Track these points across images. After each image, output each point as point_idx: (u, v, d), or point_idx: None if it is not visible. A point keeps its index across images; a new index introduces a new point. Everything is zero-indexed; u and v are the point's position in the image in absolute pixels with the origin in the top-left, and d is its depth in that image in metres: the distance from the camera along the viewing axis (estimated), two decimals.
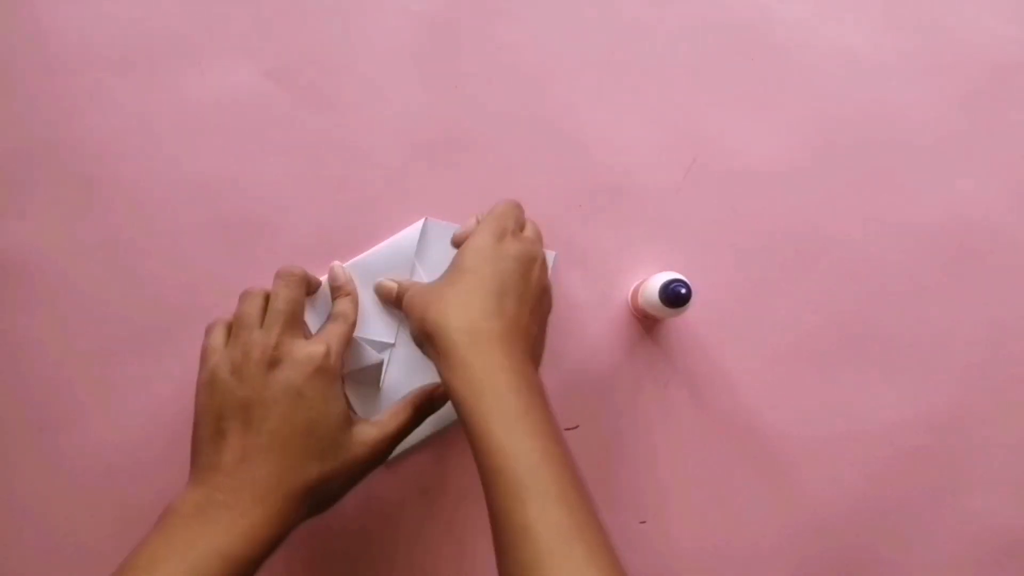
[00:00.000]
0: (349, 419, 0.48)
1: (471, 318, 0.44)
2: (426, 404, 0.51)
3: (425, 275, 0.54)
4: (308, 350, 0.47)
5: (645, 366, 0.54)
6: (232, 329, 0.48)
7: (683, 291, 0.47)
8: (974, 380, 0.55)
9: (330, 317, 0.52)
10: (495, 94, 0.55)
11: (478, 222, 0.49)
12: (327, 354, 0.47)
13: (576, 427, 0.55)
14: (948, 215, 0.55)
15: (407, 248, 0.54)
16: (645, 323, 0.55)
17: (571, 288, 0.55)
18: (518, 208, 0.49)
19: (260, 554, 0.43)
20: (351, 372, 0.53)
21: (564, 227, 0.55)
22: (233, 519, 0.42)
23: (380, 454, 0.48)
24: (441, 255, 0.54)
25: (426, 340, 0.45)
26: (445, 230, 0.54)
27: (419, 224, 0.54)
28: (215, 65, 0.55)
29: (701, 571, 0.55)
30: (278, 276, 0.50)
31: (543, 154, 0.55)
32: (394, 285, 0.53)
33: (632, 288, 0.54)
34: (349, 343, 0.51)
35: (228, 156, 0.55)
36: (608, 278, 0.55)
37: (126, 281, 0.55)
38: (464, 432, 0.42)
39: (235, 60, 0.55)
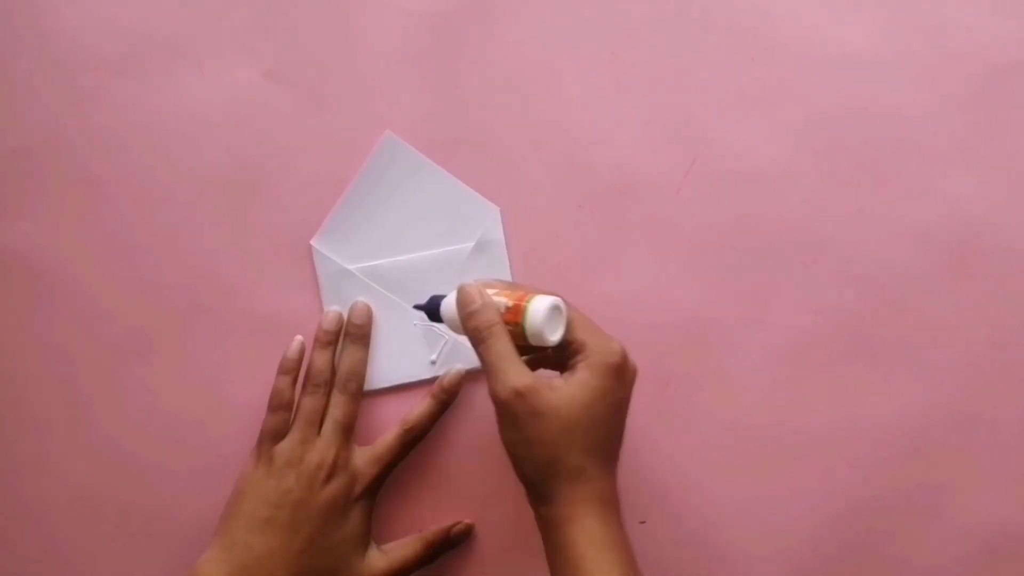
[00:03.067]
0: (368, 544, 0.51)
1: (598, 474, 0.44)
2: (441, 543, 0.53)
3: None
4: (358, 471, 0.51)
5: (645, 366, 0.54)
6: (294, 420, 0.51)
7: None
8: (974, 380, 0.55)
9: (402, 428, 0.53)
10: (495, 94, 0.55)
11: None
12: (373, 480, 0.51)
13: None
14: (948, 215, 0.55)
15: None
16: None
17: None
18: None
19: None
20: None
21: (563, 227, 0.55)
22: None
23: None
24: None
25: (546, 476, 0.44)
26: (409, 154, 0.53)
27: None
28: (215, 65, 0.55)
29: (701, 571, 0.55)
30: (339, 385, 0.52)
31: (543, 154, 0.55)
32: (477, 300, 0.45)
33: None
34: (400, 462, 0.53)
35: (228, 156, 0.55)
36: (607, 278, 0.55)
37: (127, 281, 0.55)
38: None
39: (235, 60, 0.55)
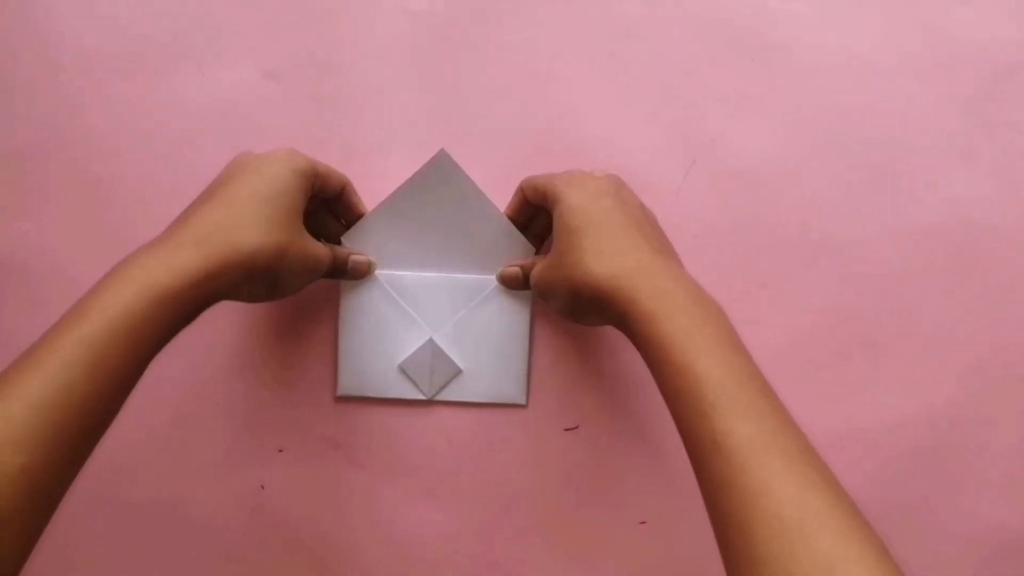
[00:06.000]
0: (301, 223, 0.47)
1: (620, 262, 0.44)
2: (342, 264, 0.52)
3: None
4: (295, 153, 0.46)
5: (645, 366, 0.54)
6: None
7: None
8: (974, 380, 0.55)
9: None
10: (495, 94, 0.55)
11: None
12: (312, 163, 0.47)
13: (576, 427, 0.55)
14: (948, 215, 0.55)
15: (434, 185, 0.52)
16: None
17: None
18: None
19: (192, 293, 0.40)
20: (405, 360, 0.54)
21: None
22: (167, 256, 0.40)
23: (324, 262, 0.48)
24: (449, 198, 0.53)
25: (587, 300, 0.45)
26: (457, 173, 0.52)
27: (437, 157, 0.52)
28: (215, 65, 0.55)
29: (701, 571, 0.55)
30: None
31: (543, 154, 0.55)
32: (517, 269, 0.53)
33: None
34: (336, 181, 0.50)
35: (228, 156, 0.55)
36: None
37: None
38: (645, 358, 0.42)
39: (235, 60, 0.55)
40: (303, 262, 0.46)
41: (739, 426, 0.37)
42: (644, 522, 0.55)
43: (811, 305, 0.55)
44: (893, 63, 0.55)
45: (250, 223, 0.43)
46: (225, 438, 0.55)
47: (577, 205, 0.46)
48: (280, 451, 0.55)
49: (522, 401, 0.55)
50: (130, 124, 0.55)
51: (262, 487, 0.55)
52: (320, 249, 0.48)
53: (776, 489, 0.35)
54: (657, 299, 0.42)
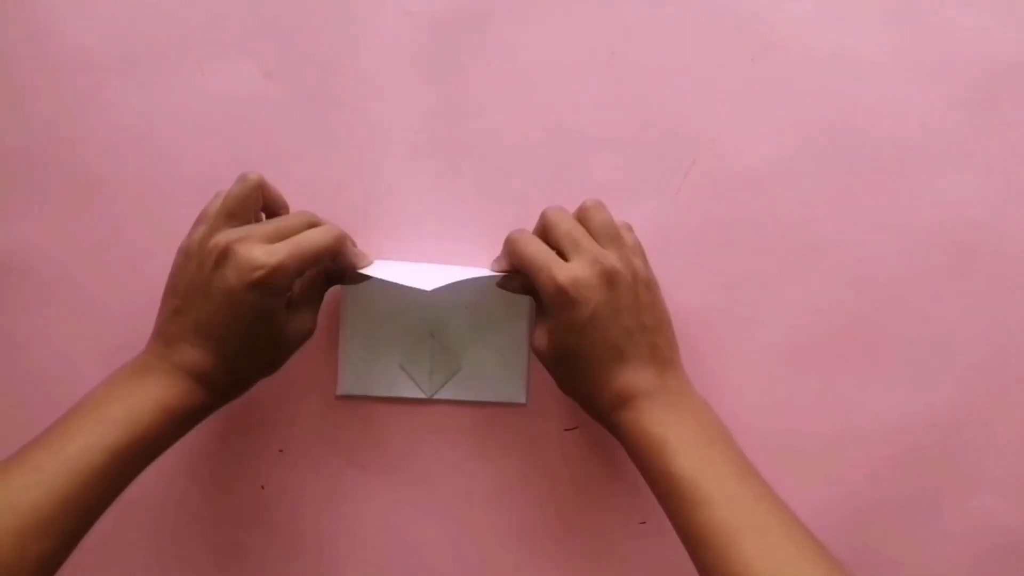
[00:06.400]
0: (285, 319, 0.47)
1: (619, 388, 0.46)
2: (323, 256, 0.47)
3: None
4: (252, 256, 0.44)
5: None
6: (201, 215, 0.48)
7: None
8: (974, 380, 0.55)
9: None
10: (495, 94, 0.55)
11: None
12: (274, 270, 0.44)
13: (576, 427, 0.55)
14: (948, 215, 0.55)
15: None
16: None
17: None
18: (600, 209, 0.48)
19: (198, 411, 0.46)
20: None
21: None
22: (171, 382, 0.45)
23: (307, 327, 0.49)
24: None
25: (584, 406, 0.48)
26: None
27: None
28: (215, 65, 0.55)
29: None
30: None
31: (543, 154, 0.55)
32: (515, 279, 0.50)
33: None
34: (316, 262, 0.46)
35: (228, 156, 0.55)
36: None
37: (126, 281, 0.55)
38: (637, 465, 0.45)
39: (235, 60, 0.55)
40: (289, 352, 0.49)
41: (775, 550, 0.41)
42: (644, 522, 0.55)
43: (811, 305, 0.55)
44: (893, 63, 0.55)
45: (241, 359, 0.46)
46: (225, 438, 0.55)
47: (567, 324, 0.45)
48: (280, 451, 0.55)
49: (522, 400, 0.55)
50: (130, 124, 0.55)
51: (262, 487, 0.55)
52: (302, 326, 0.49)
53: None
54: (664, 428, 0.44)
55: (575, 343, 0.45)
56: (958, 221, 0.55)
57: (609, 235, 0.47)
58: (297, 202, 0.55)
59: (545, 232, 0.48)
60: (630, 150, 0.55)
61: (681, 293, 0.55)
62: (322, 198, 0.55)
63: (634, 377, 0.45)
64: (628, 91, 0.55)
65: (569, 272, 0.45)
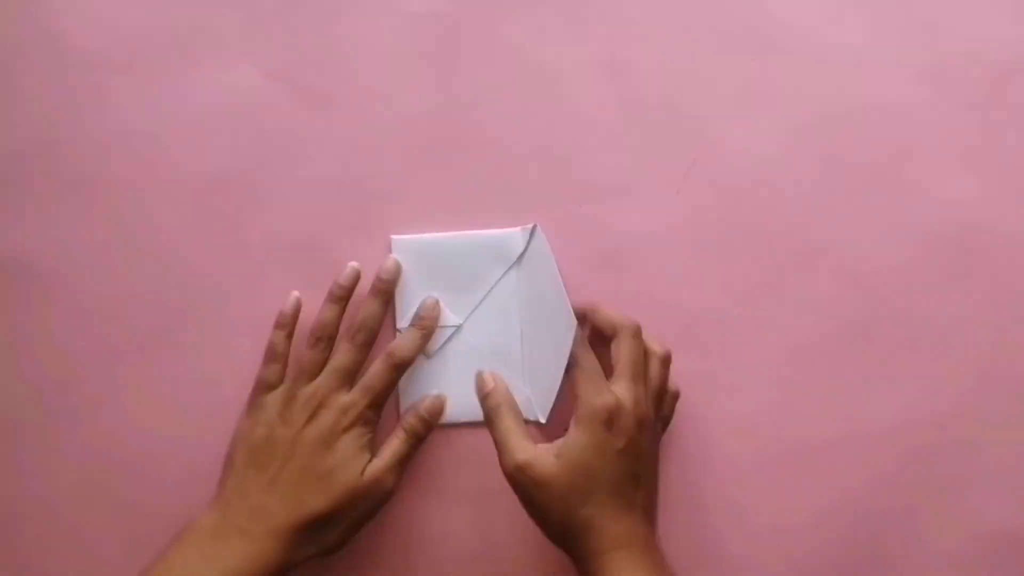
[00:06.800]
0: (363, 464, 0.50)
1: (608, 523, 0.46)
2: (421, 426, 0.53)
3: (524, 283, 0.54)
4: (346, 403, 0.50)
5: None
6: (291, 370, 0.52)
7: None
8: (975, 380, 0.55)
9: (386, 353, 0.52)
10: (495, 95, 0.55)
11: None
12: (365, 409, 0.50)
13: None
14: (948, 215, 0.55)
15: (506, 249, 0.54)
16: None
17: None
18: (628, 339, 0.50)
19: (275, 572, 0.47)
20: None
21: (563, 228, 0.55)
22: (247, 545, 0.47)
23: (385, 484, 0.50)
24: (537, 269, 0.54)
25: (565, 537, 0.47)
26: (545, 255, 0.52)
27: (528, 228, 0.54)
28: (215, 65, 0.55)
29: (701, 571, 0.55)
30: (347, 335, 0.52)
31: (543, 155, 0.55)
32: (490, 383, 0.52)
33: None
34: (391, 391, 0.52)
35: (228, 156, 0.55)
36: (607, 279, 0.55)
37: (127, 281, 0.55)
38: None
39: (235, 60, 0.55)
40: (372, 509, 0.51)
41: None
42: None
43: (811, 305, 0.55)
44: (893, 63, 0.55)
45: (319, 501, 0.49)
46: (226, 439, 0.55)
47: (587, 442, 0.46)
48: None
49: (542, 420, 0.54)
50: (130, 124, 0.55)
51: None
52: (381, 481, 0.50)
53: None
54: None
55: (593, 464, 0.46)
56: (958, 221, 0.55)
57: (636, 371, 0.49)
58: (297, 202, 0.55)
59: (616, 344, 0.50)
60: (630, 150, 0.55)
61: (681, 293, 0.55)
62: (322, 198, 0.55)
63: (626, 522, 0.46)
64: (628, 91, 0.55)
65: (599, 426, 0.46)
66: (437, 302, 0.54)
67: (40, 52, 0.55)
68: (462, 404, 0.54)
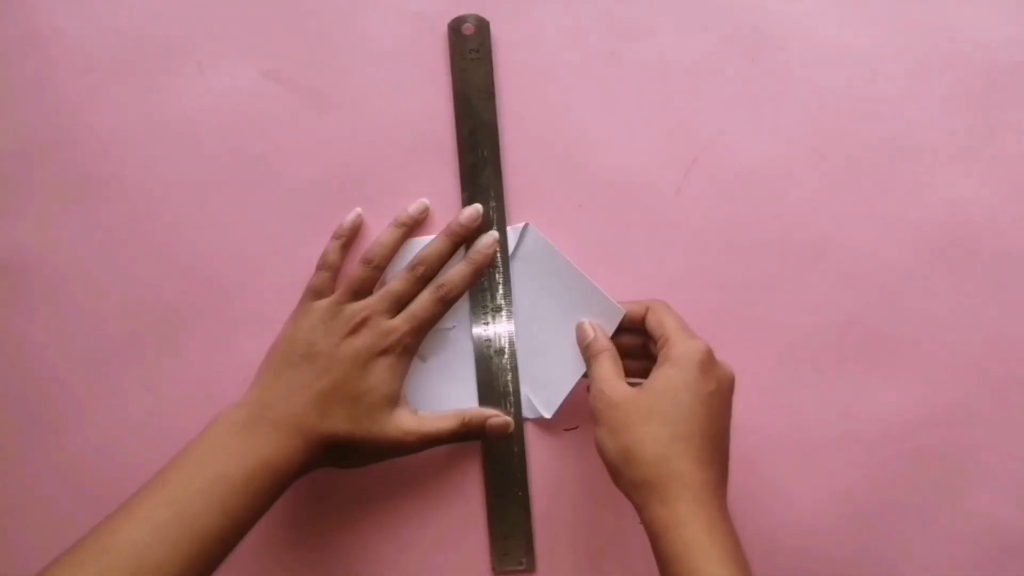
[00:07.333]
0: (396, 401, 0.51)
1: (688, 467, 0.44)
2: (476, 427, 0.52)
3: (521, 282, 0.54)
4: (389, 327, 0.50)
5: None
6: (341, 285, 0.52)
7: None
8: (975, 380, 0.55)
9: (435, 285, 0.52)
10: (495, 95, 0.55)
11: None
12: (405, 335, 0.51)
13: (576, 427, 0.55)
14: (948, 215, 0.55)
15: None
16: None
17: None
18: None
19: (294, 476, 0.47)
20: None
21: (563, 228, 0.55)
22: (279, 439, 0.47)
23: (408, 446, 0.50)
24: (537, 267, 0.54)
25: (633, 477, 0.45)
26: (543, 244, 0.54)
27: (519, 227, 0.54)
28: (215, 65, 0.55)
29: None
30: (415, 264, 0.52)
31: (543, 154, 0.55)
32: (591, 333, 0.52)
33: None
34: (434, 324, 0.53)
35: (228, 157, 0.55)
36: (607, 279, 0.55)
37: (126, 281, 0.55)
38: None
39: (235, 60, 0.55)
40: (382, 450, 0.51)
41: None
42: None
43: (811, 305, 0.55)
44: (893, 63, 0.55)
45: (341, 420, 0.49)
46: None
47: (683, 380, 0.46)
48: None
49: (548, 416, 0.54)
50: (130, 124, 0.55)
51: None
52: (405, 444, 0.50)
53: None
54: (702, 538, 0.43)
55: (697, 408, 0.45)
56: (958, 221, 0.55)
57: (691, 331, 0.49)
58: (298, 201, 0.55)
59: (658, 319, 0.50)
60: (630, 149, 0.55)
61: (681, 293, 0.55)
62: (322, 198, 0.55)
63: (709, 474, 0.45)
64: (628, 90, 0.55)
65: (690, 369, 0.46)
66: (495, 240, 0.54)
67: (40, 52, 0.55)
68: (462, 404, 0.54)
